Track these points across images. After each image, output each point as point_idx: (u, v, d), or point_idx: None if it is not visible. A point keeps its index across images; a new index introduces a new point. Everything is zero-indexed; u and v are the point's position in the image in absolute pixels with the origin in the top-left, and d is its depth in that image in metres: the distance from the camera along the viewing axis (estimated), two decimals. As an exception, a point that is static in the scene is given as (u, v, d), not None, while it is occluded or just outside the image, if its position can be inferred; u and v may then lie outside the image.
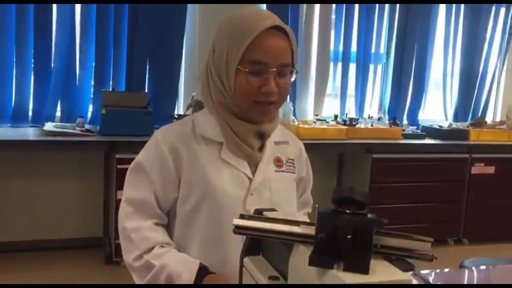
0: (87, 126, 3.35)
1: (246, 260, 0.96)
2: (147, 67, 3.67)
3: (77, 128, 3.25)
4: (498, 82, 4.73)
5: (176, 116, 3.57)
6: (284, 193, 1.27)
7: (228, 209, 1.20)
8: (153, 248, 1.19)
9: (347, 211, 0.72)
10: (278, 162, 1.29)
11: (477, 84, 4.56)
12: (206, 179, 1.21)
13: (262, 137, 1.27)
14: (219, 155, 1.24)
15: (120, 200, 3.41)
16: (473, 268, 1.65)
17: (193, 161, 1.23)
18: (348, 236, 0.67)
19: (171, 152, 1.23)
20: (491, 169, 3.96)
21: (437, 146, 3.89)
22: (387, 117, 4.27)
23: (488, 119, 4.61)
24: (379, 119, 4.03)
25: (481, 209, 3.97)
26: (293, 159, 1.33)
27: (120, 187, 3.09)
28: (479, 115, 4.58)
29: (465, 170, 3.92)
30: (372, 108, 4.34)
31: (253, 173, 1.24)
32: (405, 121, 4.38)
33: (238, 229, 0.79)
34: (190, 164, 1.23)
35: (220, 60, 1.20)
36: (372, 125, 3.91)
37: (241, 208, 1.20)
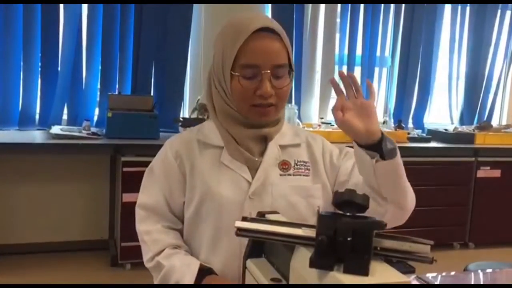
0: (93, 129, 3.37)
1: (249, 262, 0.97)
2: (153, 71, 3.69)
3: (84, 131, 3.27)
4: (504, 85, 4.72)
5: (181, 119, 3.59)
6: (289, 198, 1.24)
7: (226, 213, 1.21)
8: (163, 250, 1.22)
9: (347, 214, 0.73)
10: (284, 165, 1.28)
11: (483, 87, 4.55)
12: (206, 183, 1.23)
13: (265, 140, 1.28)
14: (218, 159, 1.25)
15: (125, 203, 3.43)
16: (479, 271, 1.64)
17: (194, 166, 1.25)
18: (348, 239, 0.68)
19: (176, 158, 1.26)
20: (497, 173, 3.94)
21: (443, 149, 3.88)
22: (392, 120, 4.27)
23: (494, 122, 4.59)
24: (384, 122, 4.03)
25: (487, 213, 3.95)
26: (305, 161, 1.30)
27: (126, 189, 3.17)
28: (485, 118, 4.56)
29: (471, 173, 3.90)
30: (377, 111, 4.33)
31: (253, 176, 1.24)
32: (410, 125, 4.37)
33: (240, 231, 0.80)
34: (192, 169, 1.25)
35: (218, 67, 1.22)
36: (377, 129, 3.90)
37: (239, 212, 1.20)
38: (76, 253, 3.46)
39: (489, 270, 1.69)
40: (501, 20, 4.51)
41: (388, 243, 0.70)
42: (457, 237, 3.98)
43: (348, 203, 0.74)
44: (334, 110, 1.10)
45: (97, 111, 3.66)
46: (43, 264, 3.27)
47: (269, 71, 1.16)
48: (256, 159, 1.25)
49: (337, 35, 4.13)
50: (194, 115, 3.58)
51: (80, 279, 3.07)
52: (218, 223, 1.21)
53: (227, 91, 1.22)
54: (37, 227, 3.45)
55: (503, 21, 4.53)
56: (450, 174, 3.87)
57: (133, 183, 2.86)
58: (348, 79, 1.13)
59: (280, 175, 1.27)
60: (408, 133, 3.97)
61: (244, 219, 0.81)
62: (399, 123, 4.09)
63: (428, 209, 3.76)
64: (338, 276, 0.64)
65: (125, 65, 3.63)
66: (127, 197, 3.06)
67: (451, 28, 4.41)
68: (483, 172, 3.91)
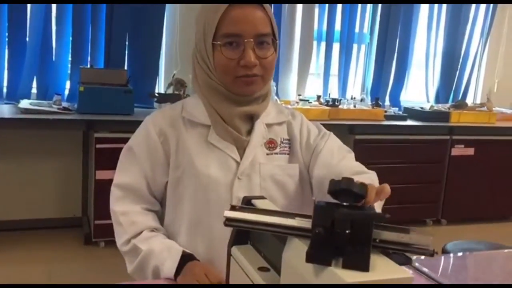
0: (64, 104, 3.23)
1: (234, 249, 0.93)
2: (127, 44, 3.56)
3: (54, 106, 3.14)
4: (480, 64, 4.75)
5: (156, 94, 3.49)
6: (276, 178, 1.21)
7: (214, 194, 1.17)
8: (141, 232, 1.17)
9: (345, 204, 0.69)
10: (270, 144, 1.25)
11: (459, 65, 4.57)
12: (192, 163, 1.18)
13: (251, 119, 1.23)
14: (206, 139, 1.20)
15: (99, 180, 3.34)
16: (467, 255, 1.64)
17: (180, 145, 1.20)
18: (347, 231, 0.64)
19: (160, 136, 1.20)
20: (471, 151, 4.00)
21: (419, 127, 3.90)
22: (369, 98, 4.26)
23: (469, 101, 4.63)
24: (361, 100, 4.01)
25: (460, 190, 4.02)
26: (288, 139, 1.27)
27: (99, 167, 3.08)
28: (460, 96, 4.61)
29: (445, 151, 3.95)
30: (355, 89, 4.32)
31: (242, 157, 1.20)
32: (387, 102, 4.38)
33: (229, 222, 0.76)
34: (178, 148, 1.20)
35: (200, 40, 1.18)
36: (354, 106, 3.90)
37: (228, 193, 1.17)
38: (49, 230, 3.36)
39: (477, 254, 1.69)
40: (478, -3, 4.51)
41: (388, 235, 0.67)
42: (430, 214, 4.04)
43: (344, 192, 0.70)
44: None
45: (68, 84, 3.52)
46: (15, 242, 3.17)
47: (252, 40, 1.12)
48: (244, 138, 1.20)
49: (316, 11, 4.06)
50: (170, 91, 3.49)
51: (53, 256, 3.00)
52: (205, 205, 1.17)
53: (210, 65, 1.17)
54: (7, 204, 3.33)
55: (481, -1, 4.53)
56: (425, 152, 3.90)
57: (107, 160, 2.83)
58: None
59: (267, 154, 1.23)
60: (385, 111, 3.96)
61: (233, 208, 0.76)
62: (376, 101, 4.08)
63: (402, 186, 3.79)
64: (337, 271, 0.61)
65: (97, 36, 3.47)
66: (100, 174, 2.97)
67: (429, 6, 4.39)
68: (457, 150, 3.96)
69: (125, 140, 1.28)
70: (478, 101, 4.68)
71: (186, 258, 1.11)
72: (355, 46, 4.24)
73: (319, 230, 0.65)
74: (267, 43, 1.16)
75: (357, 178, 1.12)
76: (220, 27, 1.12)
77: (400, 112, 4.13)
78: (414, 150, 3.86)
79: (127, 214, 1.19)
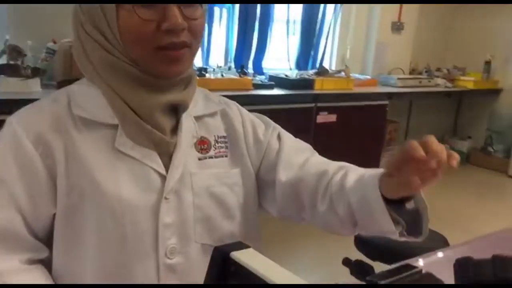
0: None
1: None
2: None
3: None
4: (334, 30, 4.84)
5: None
6: (212, 190, 0.90)
7: (131, 225, 0.81)
8: None
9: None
10: (202, 144, 0.91)
11: (316, 31, 4.60)
12: (94, 182, 0.80)
13: (175, 112, 0.88)
14: (112, 145, 0.82)
15: None
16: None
17: (72, 157, 0.80)
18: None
19: (37, 146, 0.79)
20: (333, 117, 4.07)
21: (286, 96, 3.82)
22: (232, 65, 4.05)
23: (327, 67, 4.71)
24: (229, 68, 3.77)
25: (326, 157, 4.08)
26: (224, 136, 0.96)
27: None
28: (318, 63, 4.66)
29: (311, 119, 3.95)
30: (218, 56, 4.06)
31: (167, 167, 0.85)
32: (250, 70, 4.22)
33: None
34: (68, 161, 0.80)
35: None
36: (222, 75, 3.64)
37: (152, 220, 0.82)
38: None
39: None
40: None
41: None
42: (298, 182, 4.05)
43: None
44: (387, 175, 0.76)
45: None
46: None
47: None
48: (169, 139, 0.85)
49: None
50: (3, 60, 2.82)
51: None
52: (119, 243, 0.81)
53: (109, 34, 0.79)
54: None
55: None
56: (292, 121, 3.80)
57: None
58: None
59: (199, 159, 0.90)
60: (252, 80, 3.79)
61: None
62: (242, 69, 3.88)
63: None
64: None
65: None
66: None
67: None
68: (322, 118, 4.00)
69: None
70: (333, 67, 4.79)
71: None
72: (216, 9, 3.95)
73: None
74: (194, 2, 0.81)
75: (351, 173, 0.90)
76: None
77: (266, 81, 4.00)
78: (283, 119, 3.71)
79: (1, 275, 0.76)
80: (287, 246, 3.07)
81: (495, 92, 5.61)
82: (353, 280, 0.61)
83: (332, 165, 0.98)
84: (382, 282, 0.49)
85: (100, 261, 0.81)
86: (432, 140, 0.69)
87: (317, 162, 1.00)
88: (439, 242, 1.87)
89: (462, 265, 0.39)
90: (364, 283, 0.53)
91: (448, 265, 0.55)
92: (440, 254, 1.47)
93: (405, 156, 0.69)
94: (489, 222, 3.96)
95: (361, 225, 0.87)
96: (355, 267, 0.55)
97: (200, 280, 0.86)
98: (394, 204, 0.78)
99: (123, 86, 0.81)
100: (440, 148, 0.68)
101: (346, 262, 0.56)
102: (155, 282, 0.82)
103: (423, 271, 0.54)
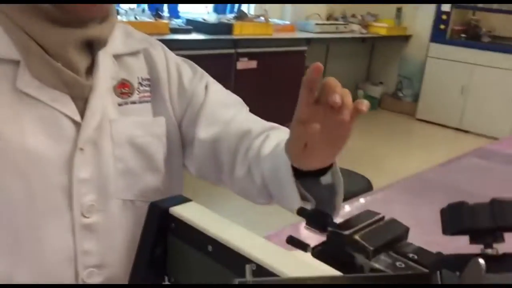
0: None
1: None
2: None
3: None
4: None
5: None
6: (136, 141, 0.79)
7: (39, 180, 0.70)
8: None
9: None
10: (124, 88, 0.80)
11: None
12: None
13: (91, 48, 0.75)
14: (13, 85, 0.68)
15: None
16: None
17: None
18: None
19: None
20: (253, 64, 4.00)
21: (205, 41, 3.67)
22: (146, 7, 3.79)
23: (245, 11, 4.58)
24: (143, 11, 3.52)
25: (247, 103, 4.04)
26: (149, 79, 0.84)
27: None
28: (236, 8, 4.51)
29: (231, 65, 3.85)
30: (130, -3, 3.77)
31: (82, 113, 0.73)
32: (166, 14, 3.98)
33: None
34: None
35: None
36: (136, 18, 3.40)
37: (64, 175, 0.71)
38: None
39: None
40: None
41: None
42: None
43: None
44: (298, 121, 0.64)
45: None
46: None
47: None
48: (84, 81, 0.73)
49: None
50: None
51: None
52: (24, 201, 0.69)
53: None
54: None
55: None
56: (212, 67, 3.64)
57: None
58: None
59: (119, 104, 0.79)
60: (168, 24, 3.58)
61: None
62: (157, 12, 3.64)
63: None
64: None
65: None
66: None
67: None
68: (242, 64, 3.91)
69: None
70: (252, 12, 4.67)
71: None
72: None
73: None
74: None
75: (271, 138, 0.80)
76: None
77: (184, 25, 3.80)
78: (202, 66, 3.58)
79: None
80: (211, 199, 3.04)
81: (405, 39, 5.82)
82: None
83: (257, 126, 0.87)
84: (347, 232, 0.44)
85: (7, 221, 0.69)
86: (335, 83, 0.60)
87: (243, 120, 0.89)
88: (364, 184, 1.91)
89: (454, 211, 0.35)
90: (322, 233, 0.48)
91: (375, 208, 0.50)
92: (362, 200, 1.49)
93: (306, 90, 0.62)
94: (400, 160, 4.21)
95: (275, 198, 0.80)
96: (312, 217, 0.49)
97: (122, 240, 0.78)
98: (311, 177, 0.70)
99: (28, 17, 0.67)
100: (341, 90, 0.60)
101: (301, 211, 0.50)
102: (71, 244, 0.72)
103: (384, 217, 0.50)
